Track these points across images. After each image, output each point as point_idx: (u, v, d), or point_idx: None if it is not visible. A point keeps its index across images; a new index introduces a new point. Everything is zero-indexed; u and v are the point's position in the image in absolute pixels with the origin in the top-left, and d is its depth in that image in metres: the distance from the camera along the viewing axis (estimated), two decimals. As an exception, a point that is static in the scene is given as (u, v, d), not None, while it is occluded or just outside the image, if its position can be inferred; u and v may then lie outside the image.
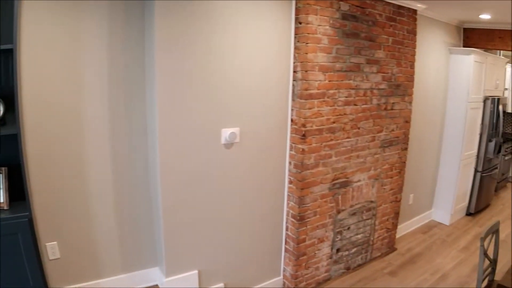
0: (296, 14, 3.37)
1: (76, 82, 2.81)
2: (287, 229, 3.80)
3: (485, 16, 5.02)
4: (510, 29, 5.42)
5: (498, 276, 3.85)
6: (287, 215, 3.76)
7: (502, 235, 5.83)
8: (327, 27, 3.42)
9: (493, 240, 3.51)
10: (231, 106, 3.17)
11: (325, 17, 3.38)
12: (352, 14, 3.61)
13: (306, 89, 3.38)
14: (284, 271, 3.94)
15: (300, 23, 3.34)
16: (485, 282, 3.52)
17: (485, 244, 3.22)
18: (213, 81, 3.01)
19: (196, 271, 3.28)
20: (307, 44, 3.31)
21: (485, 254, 3.26)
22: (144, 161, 3.16)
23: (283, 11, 3.34)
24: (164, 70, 2.75)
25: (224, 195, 3.30)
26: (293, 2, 3.37)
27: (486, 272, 3.44)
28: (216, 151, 3.16)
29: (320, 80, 3.45)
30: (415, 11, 4.35)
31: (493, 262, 3.55)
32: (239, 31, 3.09)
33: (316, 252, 3.91)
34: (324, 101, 3.53)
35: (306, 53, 3.33)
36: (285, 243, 3.85)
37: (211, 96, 3.03)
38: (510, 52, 6.94)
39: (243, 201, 3.44)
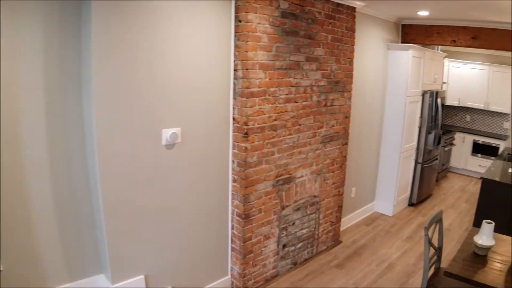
0: (236, 12, 3.41)
1: (7, 88, 2.72)
2: (232, 228, 3.84)
3: (423, 13, 5.25)
4: (448, 24, 5.71)
5: (444, 264, 4.08)
6: (232, 214, 3.80)
7: (445, 224, 6.16)
8: (267, 25, 3.47)
9: (437, 229, 3.71)
10: (172, 106, 3.16)
11: (265, 15, 3.44)
12: (292, 12, 3.69)
13: (247, 87, 3.42)
14: (231, 270, 3.99)
15: (240, 21, 3.38)
16: (432, 270, 3.71)
17: (429, 233, 3.39)
18: (152, 81, 2.99)
19: (142, 276, 3.25)
20: (247, 43, 3.36)
21: (430, 242, 3.43)
22: (83, 165, 3.10)
23: (223, 10, 3.36)
24: (101, 70, 2.70)
25: (167, 196, 3.29)
26: (233, 2, 3.40)
27: (432, 260, 3.62)
28: (157, 152, 3.14)
29: (260, 78, 3.51)
30: (353, 9, 4.50)
31: (438, 250, 3.73)
32: (179, 29, 3.08)
33: (263, 249, 3.98)
34: (265, 99, 3.59)
35: (246, 52, 3.37)
36: (232, 242, 3.90)
37: (151, 96, 3.01)
38: (448, 47, 7.31)
39: (187, 202, 3.44)
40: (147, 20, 2.88)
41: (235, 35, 3.46)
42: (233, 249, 3.89)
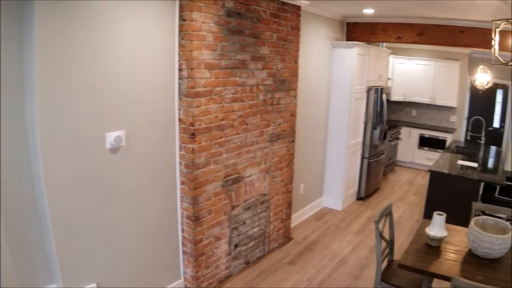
0: (180, 11, 3.39)
1: None
2: (183, 231, 3.82)
3: (368, 11, 5.41)
4: (393, 22, 5.92)
5: (397, 256, 4.22)
6: (182, 216, 3.78)
7: (395, 216, 6.39)
8: (212, 24, 3.48)
9: (387, 222, 3.85)
10: (116, 108, 3.10)
11: (210, 14, 3.44)
12: (237, 11, 3.72)
13: (193, 87, 3.42)
14: (184, 273, 3.97)
15: (184, 20, 3.36)
16: (385, 263, 3.83)
17: (380, 226, 3.51)
18: (96, 83, 2.92)
19: (94, 285, 3.17)
20: (192, 42, 3.35)
21: (381, 236, 3.55)
22: (28, 172, 3.02)
23: (167, 9, 3.34)
24: (43, 73, 2.61)
25: (115, 202, 3.23)
26: (177, 1, 3.38)
27: (385, 253, 3.74)
28: (102, 157, 3.07)
29: (206, 78, 3.51)
30: (299, 7, 4.59)
31: (390, 243, 3.87)
32: (122, 29, 3.02)
33: (215, 250, 3.99)
34: (211, 98, 3.60)
35: (191, 51, 3.36)
36: (183, 245, 3.88)
37: (94, 99, 2.94)
38: (393, 44, 7.57)
39: (135, 207, 3.39)
40: (89, 21, 2.82)
41: (179, 35, 3.44)
42: (184, 252, 3.88)
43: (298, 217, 5.88)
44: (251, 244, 4.49)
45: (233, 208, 4.10)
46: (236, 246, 4.26)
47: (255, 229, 4.50)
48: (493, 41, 3.22)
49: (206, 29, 3.44)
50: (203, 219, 3.77)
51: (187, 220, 3.74)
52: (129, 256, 3.45)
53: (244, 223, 4.29)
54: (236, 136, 3.99)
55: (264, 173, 4.50)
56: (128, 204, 3.34)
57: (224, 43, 3.64)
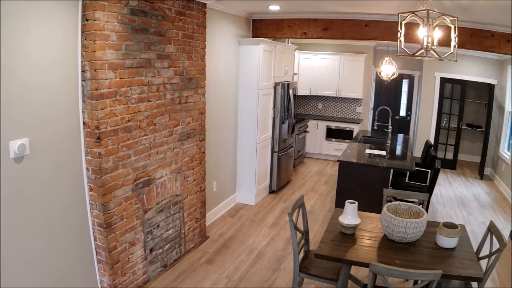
0: (83, 11, 3.29)
1: None
2: (96, 239, 3.72)
3: (274, 7, 5.58)
4: (299, 17, 6.14)
5: (313, 246, 4.43)
6: (94, 224, 3.67)
7: (307, 207, 6.71)
8: (116, 23, 3.42)
9: (300, 213, 4.03)
10: (18, 115, 2.94)
11: (113, 13, 3.39)
12: (141, 9, 3.69)
13: (97, 89, 3.34)
14: (101, 282, 3.86)
15: (87, 20, 3.27)
16: (302, 253, 3.99)
17: (294, 218, 3.65)
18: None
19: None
20: (95, 42, 3.27)
21: (296, 227, 3.69)
22: None
23: (70, 9, 3.22)
24: None
25: (22, 214, 3.04)
26: (80, 0, 3.28)
27: (301, 244, 3.91)
28: (7, 167, 2.90)
29: (110, 79, 3.45)
30: (204, 5, 4.64)
31: (305, 234, 4.04)
32: (21, 30, 2.86)
33: (130, 256, 3.93)
34: (116, 100, 3.54)
35: (95, 51, 3.28)
36: (97, 254, 3.77)
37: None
38: (298, 39, 7.86)
39: (43, 218, 3.21)
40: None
41: (82, 35, 3.34)
42: (99, 261, 3.79)
43: (213, 215, 5.96)
44: (167, 246, 4.49)
45: (145, 211, 4.08)
46: (151, 250, 4.23)
47: (170, 231, 4.51)
48: (399, 33, 3.40)
49: (110, 28, 3.38)
50: (115, 225, 3.70)
51: (99, 228, 3.64)
52: (41, 270, 3.29)
53: (158, 226, 4.29)
54: (144, 137, 3.97)
55: (175, 174, 4.51)
56: (35, 216, 3.19)
57: (129, 42, 3.60)
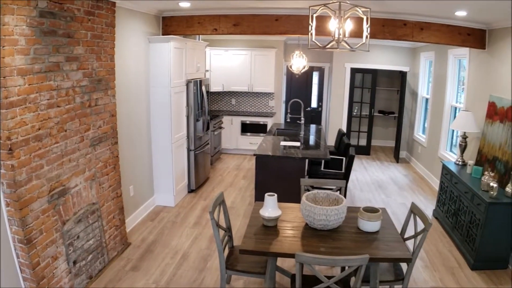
0: None
1: None
2: (18, 256, 3.58)
3: (185, 4, 5.64)
4: (209, 14, 6.25)
5: (237, 241, 4.57)
6: (14, 241, 3.54)
7: (228, 203, 6.89)
8: (24, 26, 3.35)
9: (221, 210, 4.16)
10: None
11: (22, 16, 3.31)
12: (50, 11, 3.62)
13: (6, 97, 3.24)
14: (29, 302, 3.80)
15: None
16: (227, 250, 4.12)
17: (215, 215, 3.78)
18: None
19: None
20: (4, 48, 3.18)
21: (218, 225, 3.82)
22: None
23: None
24: None
25: None
26: None
27: (225, 241, 4.03)
28: None
29: (19, 85, 3.36)
30: (113, 4, 4.62)
31: (228, 230, 4.18)
32: None
33: (54, 271, 3.86)
34: (26, 107, 3.45)
35: (3, 57, 3.19)
36: (22, 272, 3.63)
37: None
38: (209, 36, 7.96)
39: None
40: None
41: None
42: (25, 279, 3.64)
43: (132, 221, 5.95)
44: (89, 257, 4.43)
45: (64, 223, 4.01)
46: (75, 262, 4.16)
47: (90, 241, 4.46)
48: (310, 27, 3.52)
49: (18, 32, 3.30)
50: (36, 240, 3.61)
51: (20, 244, 3.53)
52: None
53: (78, 237, 4.23)
54: (56, 145, 3.88)
55: (90, 181, 4.46)
56: None
57: (37, 45, 3.52)
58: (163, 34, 6.61)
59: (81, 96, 4.25)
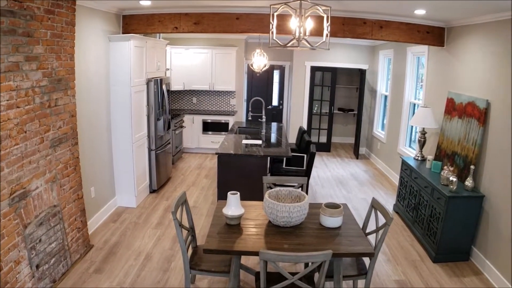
0: None
1: None
2: None
3: (146, 2, 5.64)
4: (170, 12, 6.26)
5: (201, 241, 4.61)
6: None
7: (190, 202, 6.94)
8: None
9: (184, 210, 4.21)
10: None
11: None
12: (10, 9, 3.57)
13: None
14: (-7, 308, 3.76)
15: None
16: (191, 250, 4.17)
17: (178, 216, 3.81)
18: None
19: None
20: None
21: (181, 225, 3.86)
22: None
23: None
24: None
25: None
26: None
27: (188, 241, 4.07)
28: None
29: None
30: (74, 2, 4.58)
31: (191, 230, 4.21)
32: None
33: (17, 276, 3.80)
34: None
35: None
36: None
37: None
38: (170, 34, 7.95)
39: None
40: None
41: None
42: None
43: (94, 222, 5.91)
44: (52, 261, 4.38)
45: (25, 227, 3.97)
46: (38, 266, 4.11)
47: (53, 245, 4.41)
48: (271, 25, 3.59)
49: None
50: (-3, 245, 3.60)
51: None
52: None
53: (40, 240, 4.19)
54: (16, 146, 3.83)
55: (51, 183, 4.41)
56: None
57: (-3, 45, 3.48)
58: (123, 33, 6.57)
59: (41, 97, 4.20)
